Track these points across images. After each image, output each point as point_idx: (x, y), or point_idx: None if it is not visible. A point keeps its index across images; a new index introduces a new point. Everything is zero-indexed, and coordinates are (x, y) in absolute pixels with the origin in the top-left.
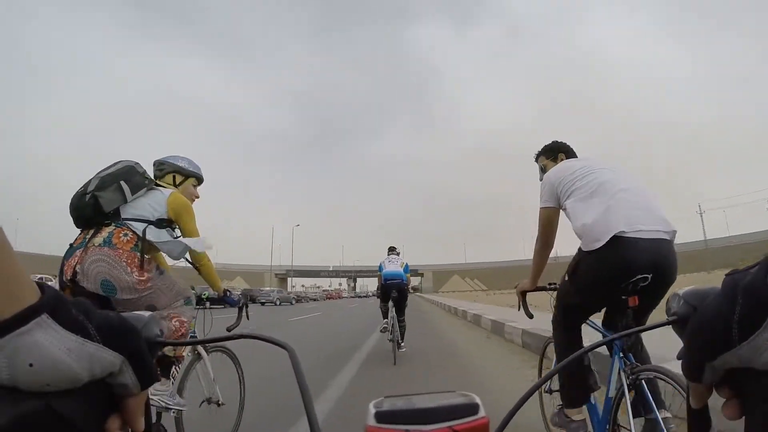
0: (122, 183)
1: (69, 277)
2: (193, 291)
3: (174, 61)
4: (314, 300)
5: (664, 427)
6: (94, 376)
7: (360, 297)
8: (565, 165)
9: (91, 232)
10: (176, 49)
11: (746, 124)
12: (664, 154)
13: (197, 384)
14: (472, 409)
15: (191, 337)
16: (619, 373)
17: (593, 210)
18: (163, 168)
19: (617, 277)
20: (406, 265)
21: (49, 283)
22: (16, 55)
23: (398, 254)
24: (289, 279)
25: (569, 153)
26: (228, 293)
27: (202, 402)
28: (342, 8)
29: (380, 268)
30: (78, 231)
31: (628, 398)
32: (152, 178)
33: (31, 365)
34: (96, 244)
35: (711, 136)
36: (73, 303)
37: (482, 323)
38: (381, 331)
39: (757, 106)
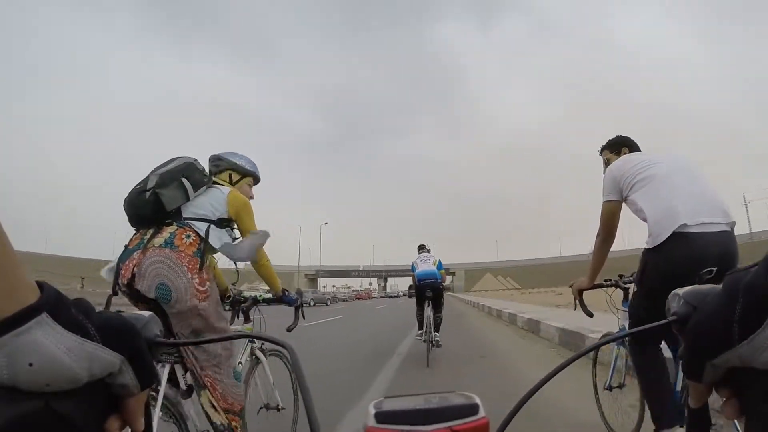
0: (184, 180)
1: (126, 281)
2: (249, 293)
3: (199, 64)
4: (343, 300)
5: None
6: (94, 375)
7: (390, 297)
8: (627, 158)
9: (150, 232)
10: (202, 52)
11: None
12: (699, 151)
13: (254, 389)
14: (472, 409)
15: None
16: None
17: (656, 204)
18: (220, 164)
19: (685, 273)
20: (439, 262)
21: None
22: (37, 57)
23: (429, 252)
24: (318, 279)
25: (633, 147)
26: (286, 293)
27: (260, 408)
28: (365, 9)
29: (413, 268)
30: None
31: None
32: (209, 175)
33: (30, 365)
34: (156, 245)
35: (748, 132)
36: (73, 303)
37: (542, 331)
38: (417, 338)
39: None
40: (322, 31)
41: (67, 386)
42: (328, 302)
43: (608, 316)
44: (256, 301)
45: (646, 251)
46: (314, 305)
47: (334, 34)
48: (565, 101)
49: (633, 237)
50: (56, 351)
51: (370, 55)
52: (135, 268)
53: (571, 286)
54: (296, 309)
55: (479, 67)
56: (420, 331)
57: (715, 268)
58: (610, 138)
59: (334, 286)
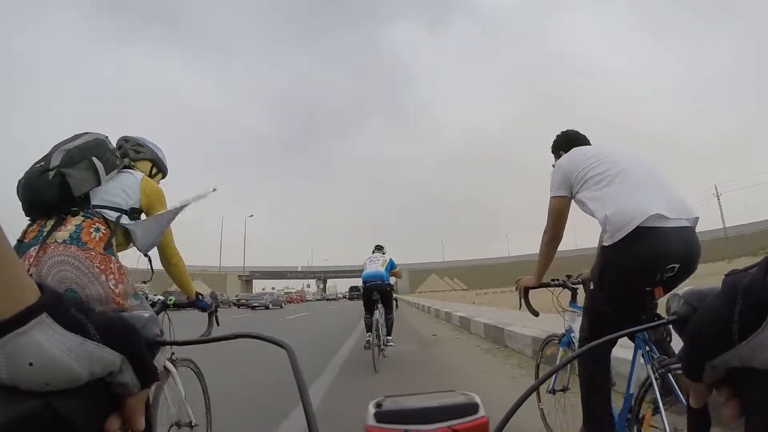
0: (95, 160)
1: None
2: (161, 297)
3: (149, 61)
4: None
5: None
6: (94, 375)
7: (327, 299)
8: (578, 151)
9: (50, 223)
10: (151, 49)
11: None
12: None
13: (164, 405)
14: (471, 408)
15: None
16: (646, 367)
17: (614, 199)
18: (142, 151)
19: (648, 269)
20: (390, 262)
21: None
22: None
23: (383, 253)
24: (254, 281)
25: (583, 141)
26: (200, 297)
27: (171, 426)
28: (316, 10)
29: (363, 270)
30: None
31: (658, 392)
32: (122, 158)
33: (30, 364)
34: (59, 240)
35: (687, 136)
36: (73, 303)
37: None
38: (365, 347)
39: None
40: (272, 31)
41: (68, 386)
42: (283, 305)
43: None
44: (165, 306)
45: (605, 248)
46: (271, 308)
47: (284, 34)
48: (514, 105)
49: (581, 237)
50: (56, 351)
51: (318, 58)
52: (32, 269)
53: (516, 283)
54: (210, 315)
55: (429, 70)
56: (368, 334)
57: (677, 265)
58: (564, 132)
59: (273, 288)
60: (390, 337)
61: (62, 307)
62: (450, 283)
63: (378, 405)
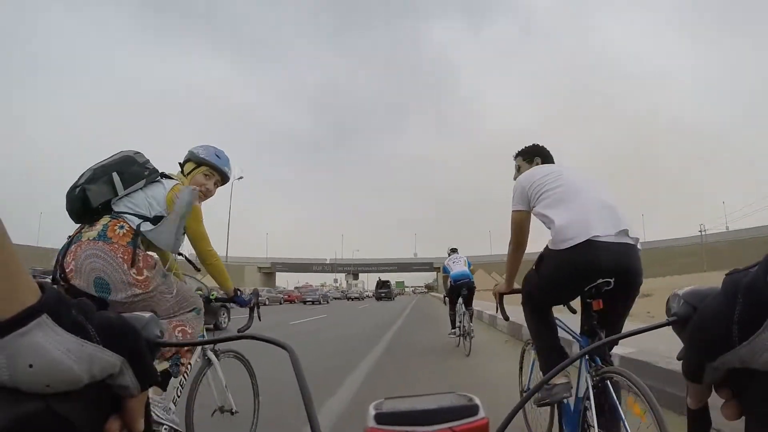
0: (114, 175)
1: (62, 275)
2: (200, 292)
3: (189, 60)
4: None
5: (628, 428)
6: (94, 377)
7: (350, 299)
8: (536, 170)
9: (86, 226)
10: (191, 48)
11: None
12: (681, 156)
13: (208, 392)
14: (472, 410)
15: None
16: (585, 374)
17: (561, 215)
18: (186, 156)
19: (577, 279)
20: (468, 262)
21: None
22: (22, 53)
23: (458, 253)
24: (277, 274)
25: (546, 158)
26: (239, 293)
27: (215, 411)
28: (356, 9)
29: (446, 269)
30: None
31: (592, 399)
32: (156, 169)
33: (31, 366)
34: (91, 238)
35: (734, 137)
36: (74, 304)
37: None
38: (449, 335)
39: None
40: (312, 31)
41: (68, 387)
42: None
43: None
44: (208, 300)
45: (548, 249)
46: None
47: (324, 33)
48: (555, 104)
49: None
50: (56, 352)
51: (358, 57)
52: (72, 263)
53: (493, 290)
54: (251, 310)
55: (470, 68)
56: (453, 330)
57: (611, 280)
58: (526, 146)
59: (308, 283)
60: (471, 324)
61: (63, 307)
62: (498, 280)
63: (378, 406)
